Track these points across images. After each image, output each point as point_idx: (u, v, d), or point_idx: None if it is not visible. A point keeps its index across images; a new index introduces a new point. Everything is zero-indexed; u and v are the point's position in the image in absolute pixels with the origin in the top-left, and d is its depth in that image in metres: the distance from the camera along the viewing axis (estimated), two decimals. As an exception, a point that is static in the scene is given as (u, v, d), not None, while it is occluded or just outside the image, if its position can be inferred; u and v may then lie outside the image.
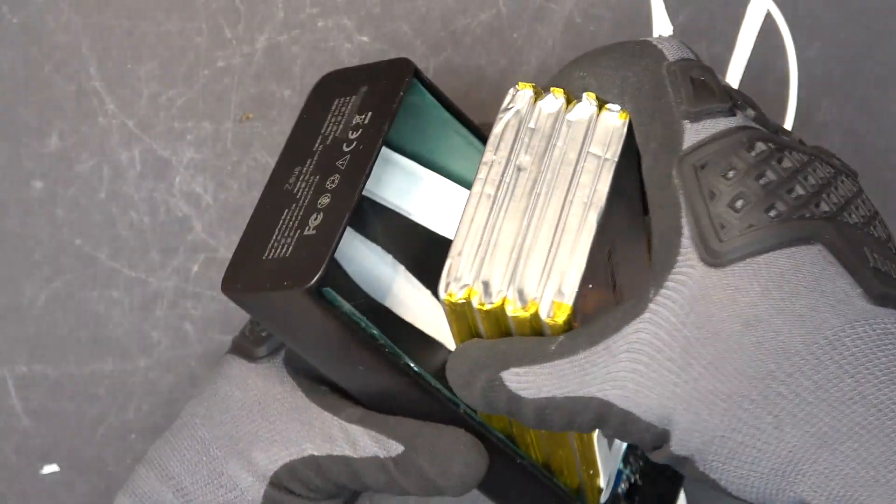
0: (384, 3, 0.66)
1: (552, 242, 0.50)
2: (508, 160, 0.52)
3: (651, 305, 0.48)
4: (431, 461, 0.53)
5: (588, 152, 0.51)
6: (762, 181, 0.48)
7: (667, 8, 0.67)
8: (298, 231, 0.52)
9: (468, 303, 0.50)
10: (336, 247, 0.50)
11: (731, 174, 0.48)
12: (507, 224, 0.51)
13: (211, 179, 0.65)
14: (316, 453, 0.54)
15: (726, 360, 0.46)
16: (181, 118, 0.65)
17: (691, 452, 0.48)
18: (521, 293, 0.50)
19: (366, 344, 0.52)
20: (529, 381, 0.49)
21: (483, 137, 0.57)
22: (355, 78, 0.56)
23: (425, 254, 0.57)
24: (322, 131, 0.55)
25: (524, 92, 0.53)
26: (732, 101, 0.50)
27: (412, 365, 0.53)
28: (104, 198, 0.64)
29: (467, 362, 0.50)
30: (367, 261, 0.58)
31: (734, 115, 0.50)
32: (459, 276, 0.50)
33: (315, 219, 0.52)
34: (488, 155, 0.52)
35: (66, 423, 0.64)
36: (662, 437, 0.48)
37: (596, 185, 0.51)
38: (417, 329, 0.57)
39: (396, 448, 0.53)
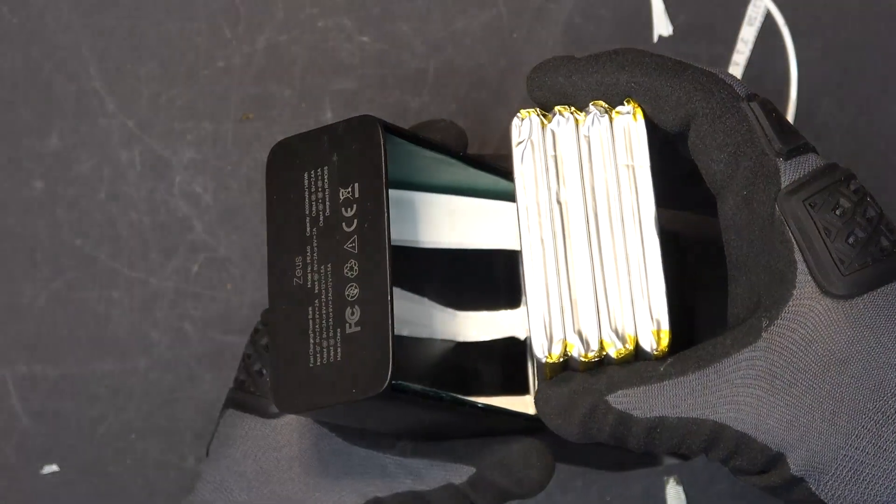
0: (384, 3, 0.66)
1: (624, 271, 0.51)
2: (546, 199, 0.51)
3: (765, 335, 0.49)
4: (508, 476, 0.54)
5: (619, 164, 0.51)
6: (868, 216, 0.50)
7: (667, 8, 0.67)
8: (338, 330, 0.50)
9: (570, 356, 0.51)
10: (394, 343, 0.49)
11: (839, 211, 0.49)
12: (573, 265, 0.51)
13: (211, 179, 0.65)
14: (380, 494, 0.54)
15: (846, 388, 0.48)
16: (181, 118, 0.65)
17: (809, 473, 0.49)
18: (616, 332, 0.50)
19: (439, 407, 0.52)
20: (639, 402, 0.50)
21: (458, 154, 0.56)
22: (317, 145, 0.52)
23: (446, 278, 0.56)
24: (307, 213, 0.52)
25: (530, 119, 0.52)
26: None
27: (478, 403, 0.53)
28: (104, 198, 0.64)
29: (566, 391, 0.51)
30: (400, 310, 0.55)
31: (815, 150, 0.51)
32: (551, 333, 0.51)
33: (352, 314, 0.50)
34: (522, 198, 0.51)
35: (66, 423, 0.64)
36: (776, 460, 0.49)
37: (639, 198, 0.51)
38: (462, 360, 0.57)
39: (468, 471, 0.54)
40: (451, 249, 0.56)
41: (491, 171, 0.56)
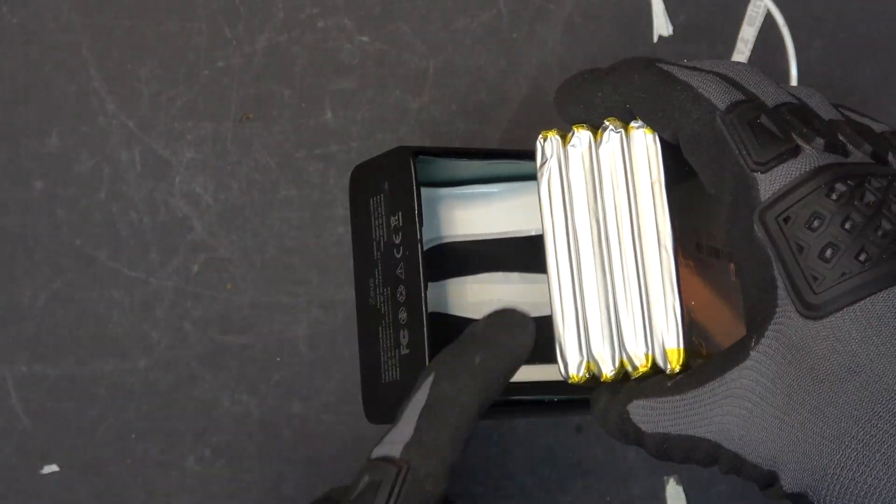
0: (384, 3, 0.66)
1: (640, 290, 0.51)
2: (567, 220, 0.52)
3: (752, 353, 0.49)
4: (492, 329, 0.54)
5: (635, 183, 0.52)
6: (847, 226, 0.48)
7: (667, 8, 0.67)
8: (396, 351, 0.54)
9: (593, 375, 0.52)
10: None
11: (815, 223, 0.48)
12: (590, 288, 0.52)
13: (211, 179, 0.65)
14: None
15: (831, 404, 0.48)
16: (181, 118, 0.65)
17: (805, 490, 0.49)
18: (633, 353, 0.51)
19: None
20: (648, 415, 0.51)
21: (493, 152, 0.59)
22: (377, 172, 0.57)
23: (498, 250, 0.59)
24: (373, 237, 0.56)
25: (552, 140, 0.53)
26: (795, 128, 0.50)
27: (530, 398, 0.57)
28: (104, 198, 0.64)
29: (602, 400, 0.53)
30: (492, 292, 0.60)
31: (800, 152, 0.49)
32: (572, 355, 0.52)
33: (404, 336, 0.54)
34: (548, 220, 0.52)
35: (66, 423, 0.64)
36: (771, 477, 0.49)
37: (657, 217, 0.51)
38: None
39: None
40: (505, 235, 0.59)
41: (516, 156, 0.59)
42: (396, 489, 0.50)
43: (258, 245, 0.65)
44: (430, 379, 0.52)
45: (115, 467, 0.64)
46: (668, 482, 0.67)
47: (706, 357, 0.52)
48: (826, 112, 0.51)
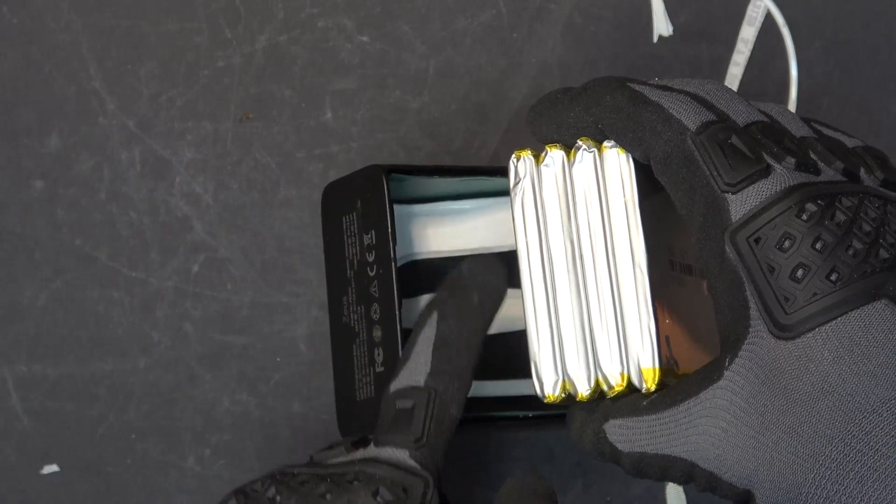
0: (384, 3, 0.66)
1: (615, 310, 0.51)
2: (541, 240, 0.52)
3: (726, 373, 0.49)
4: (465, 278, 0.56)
5: (608, 202, 0.51)
6: (818, 245, 0.48)
7: (667, 8, 0.67)
8: (371, 368, 0.56)
9: (569, 394, 0.52)
10: None
11: (786, 244, 0.48)
12: (564, 307, 0.52)
13: (211, 179, 0.65)
14: None
15: (805, 424, 0.48)
16: (181, 118, 0.65)
17: None
18: (609, 372, 0.51)
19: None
20: (625, 435, 0.51)
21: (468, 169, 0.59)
22: (350, 191, 0.57)
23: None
24: (346, 255, 0.57)
25: (526, 159, 0.52)
26: (766, 147, 0.50)
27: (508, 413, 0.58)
28: (104, 198, 0.64)
29: (577, 419, 0.53)
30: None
31: (771, 172, 0.49)
32: (547, 374, 0.52)
33: (378, 354, 0.55)
34: (521, 240, 0.52)
35: (66, 423, 0.64)
36: (747, 496, 0.49)
37: (631, 236, 0.51)
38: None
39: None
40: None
41: (491, 173, 0.60)
42: (430, 411, 0.54)
43: (258, 245, 0.65)
44: (435, 316, 0.54)
45: (115, 467, 0.64)
46: (668, 482, 0.67)
47: (681, 376, 0.52)
48: (797, 129, 0.51)
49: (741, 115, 0.50)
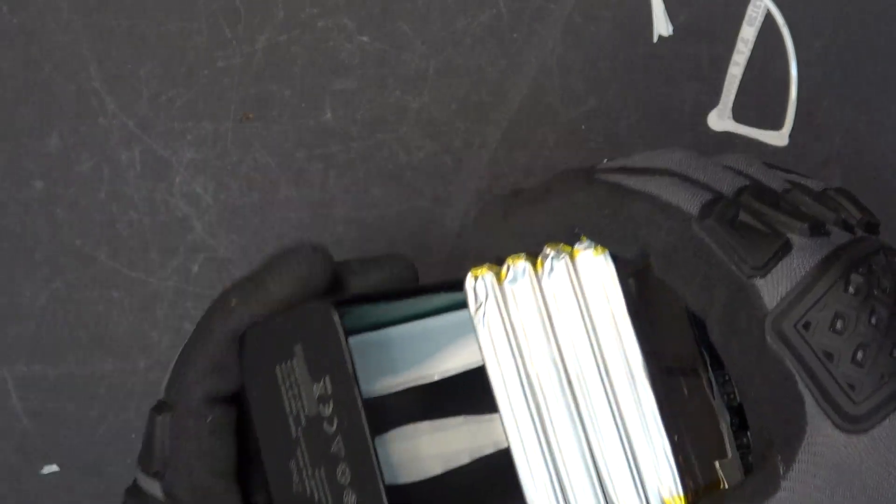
0: (384, 3, 0.66)
1: (620, 435, 0.45)
2: (518, 367, 0.45)
3: (785, 483, 0.42)
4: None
5: (591, 313, 0.45)
6: (874, 320, 0.42)
7: (667, 8, 0.67)
8: None
9: None
10: None
11: (839, 325, 0.42)
12: (561, 440, 0.45)
13: (211, 179, 0.65)
14: None
15: None
16: (181, 118, 0.65)
17: None
18: None
19: None
20: None
21: (414, 291, 0.50)
22: (282, 334, 0.48)
23: (430, 398, 0.51)
24: (287, 411, 0.48)
25: (484, 279, 0.46)
26: (772, 217, 0.44)
27: None
28: (104, 198, 0.65)
29: None
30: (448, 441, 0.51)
31: (790, 244, 0.43)
32: None
33: None
34: (494, 369, 0.45)
35: (66, 423, 0.64)
36: None
37: (624, 347, 0.45)
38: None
39: None
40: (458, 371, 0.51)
41: (449, 288, 0.51)
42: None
43: (258, 245, 0.65)
44: None
45: (115, 467, 0.64)
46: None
47: (707, 493, 0.45)
48: (774, 183, 0.46)
49: (725, 183, 0.45)
